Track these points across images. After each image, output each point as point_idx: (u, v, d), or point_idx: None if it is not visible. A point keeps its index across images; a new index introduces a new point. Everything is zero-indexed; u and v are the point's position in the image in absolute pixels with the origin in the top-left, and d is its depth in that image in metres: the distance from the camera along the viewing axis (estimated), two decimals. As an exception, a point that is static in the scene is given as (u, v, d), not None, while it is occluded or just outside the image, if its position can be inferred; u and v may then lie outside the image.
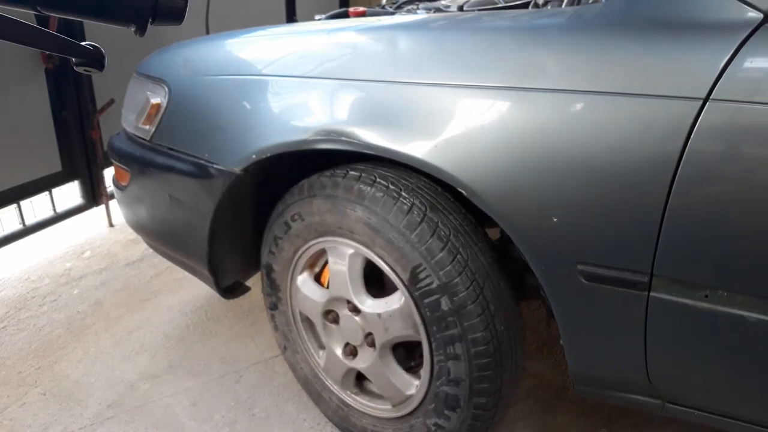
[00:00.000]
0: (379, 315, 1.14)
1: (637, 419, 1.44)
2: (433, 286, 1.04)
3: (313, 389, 1.41)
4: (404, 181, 1.08)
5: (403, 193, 1.05)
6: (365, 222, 1.08)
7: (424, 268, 1.03)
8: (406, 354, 1.22)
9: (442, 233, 1.03)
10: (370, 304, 1.16)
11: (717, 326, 0.85)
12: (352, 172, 1.11)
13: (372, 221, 1.07)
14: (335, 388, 1.35)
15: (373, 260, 1.12)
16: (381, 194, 1.06)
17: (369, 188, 1.07)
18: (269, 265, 1.32)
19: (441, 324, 1.06)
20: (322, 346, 1.36)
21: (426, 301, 1.05)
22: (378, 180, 1.08)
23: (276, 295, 1.35)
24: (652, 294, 0.87)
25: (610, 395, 1.05)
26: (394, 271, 1.08)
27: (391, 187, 1.06)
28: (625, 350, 0.95)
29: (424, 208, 1.04)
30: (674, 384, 0.96)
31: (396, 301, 1.12)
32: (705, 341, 0.88)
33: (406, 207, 1.04)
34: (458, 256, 1.02)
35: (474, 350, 1.05)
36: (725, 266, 0.81)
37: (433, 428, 1.19)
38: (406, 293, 1.08)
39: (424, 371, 1.15)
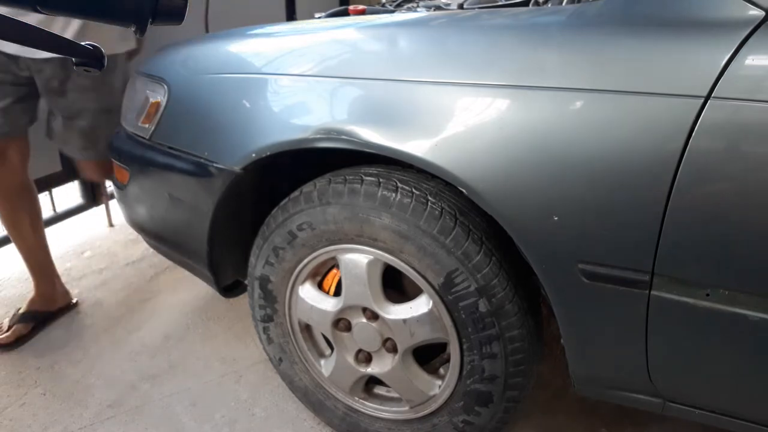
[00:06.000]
0: (404, 321, 1.13)
1: (636, 419, 1.44)
2: (471, 289, 1.03)
3: (314, 399, 1.40)
4: (425, 185, 1.07)
5: (430, 198, 1.04)
6: (393, 229, 1.06)
7: (461, 273, 1.03)
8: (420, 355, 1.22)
9: (476, 236, 1.02)
10: (392, 310, 1.15)
11: (718, 325, 0.85)
12: (368, 178, 1.09)
13: (401, 228, 1.05)
14: (341, 396, 1.34)
15: (397, 267, 1.10)
16: (408, 200, 1.04)
17: (393, 194, 1.06)
18: (265, 277, 1.29)
19: (477, 325, 1.06)
20: (322, 355, 1.35)
21: (462, 304, 1.05)
22: (400, 185, 1.06)
23: (272, 307, 1.33)
24: (653, 293, 0.87)
25: (611, 394, 1.05)
26: (423, 276, 1.07)
27: (416, 192, 1.05)
28: (625, 349, 0.95)
29: (453, 212, 1.03)
30: (675, 383, 0.96)
31: (423, 305, 1.11)
32: (706, 340, 0.88)
33: (437, 212, 1.03)
34: (493, 258, 1.02)
35: (511, 347, 1.06)
36: (726, 265, 0.81)
37: (461, 425, 1.19)
38: (436, 297, 1.07)
39: (452, 371, 1.15)
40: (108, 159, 1.61)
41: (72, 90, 1.63)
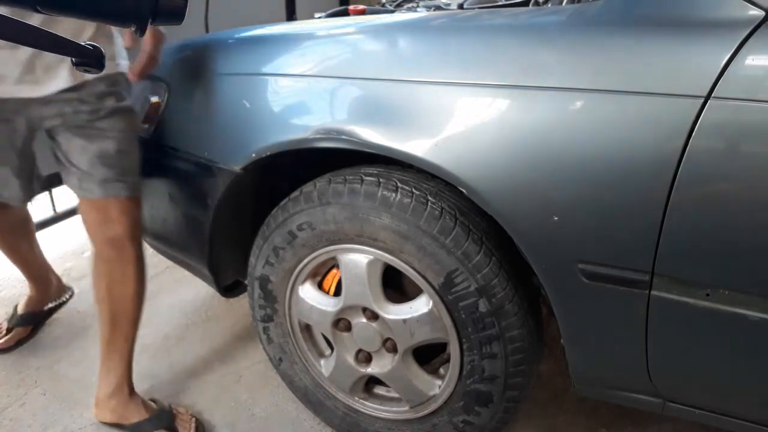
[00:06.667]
0: (404, 321, 1.13)
1: (636, 419, 1.44)
2: (471, 289, 1.03)
3: (314, 399, 1.40)
4: (425, 185, 1.07)
5: (430, 198, 1.04)
6: (393, 229, 1.06)
7: (461, 273, 1.03)
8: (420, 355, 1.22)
9: (476, 236, 1.02)
10: (392, 310, 1.15)
11: (718, 325, 0.85)
12: (368, 178, 1.09)
13: (401, 228, 1.05)
14: (341, 396, 1.34)
15: (397, 267, 1.10)
16: (408, 200, 1.04)
17: (393, 194, 1.06)
18: (265, 277, 1.29)
19: (478, 325, 1.06)
20: (322, 355, 1.35)
21: (462, 304, 1.05)
22: (400, 185, 1.06)
23: (272, 307, 1.33)
24: (653, 293, 0.87)
25: (611, 394, 1.05)
26: (423, 276, 1.07)
27: (416, 192, 1.05)
28: (625, 349, 0.95)
29: (453, 212, 1.03)
30: (675, 383, 0.96)
31: (423, 305, 1.11)
32: (706, 340, 0.88)
33: (437, 212, 1.03)
34: (494, 258, 1.02)
35: (511, 347, 1.06)
36: (726, 265, 0.81)
37: (461, 425, 1.19)
38: (436, 297, 1.07)
39: (452, 371, 1.15)
40: (136, 197, 1.33)
41: (102, 115, 1.27)
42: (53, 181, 2.34)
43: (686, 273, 0.84)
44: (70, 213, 2.49)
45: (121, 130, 1.30)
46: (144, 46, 1.28)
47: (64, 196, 2.49)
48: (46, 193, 2.36)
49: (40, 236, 2.35)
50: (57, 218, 2.43)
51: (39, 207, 2.38)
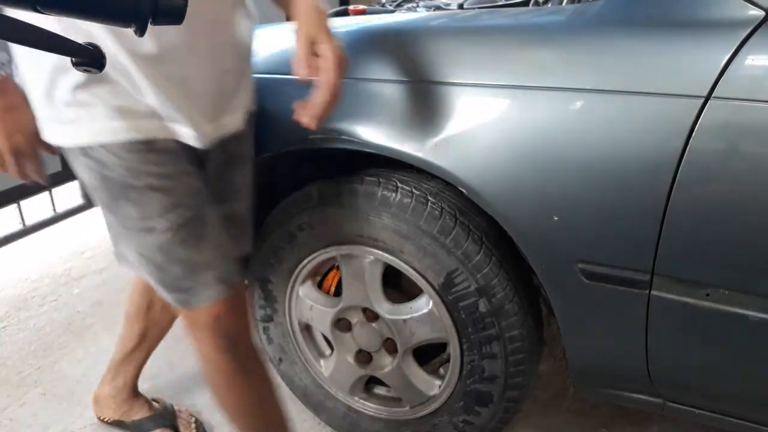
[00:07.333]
0: (404, 321, 1.13)
1: (636, 419, 1.44)
2: (471, 289, 1.03)
3: (314, 399, 1.40)
4: (425, 185, 1.07)
5: (430, 198, 1.04)
6: (393, 229, 1.06)
7: (461, 273, 1.03)
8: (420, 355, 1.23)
9: (476, 236, 1.02)
10: (392, 310, 1.15)
11: (718, 325, 0.85)
12: (369, 178, 1.09)
13: (401, 228, 1.06)
14: (341, 396, 1.34)
15: (397, 267, 1.10)
16: (408, 200, 1.04)
17: (393, 194, 1.06)
18: (265, 277, 1.29)
19: (477, 325, 1.06)
20: (322, 355, 1.35)
21: (462, 304, 1.05)
22: (400, 185, 1.06)
23: (271, 307, 1.33)
24: (653, 293, 0.87)
25: (611, 394, 1.05)
26: (423, 276, 1.07)
27: (416, 192, 1.05)
28: (625, 349, 0.95)
29: (453, 212, 1.03)
30: (675, 383, 0.96)
31: (424, 305, 1.11)
32: (706, 340, 0.88)
33: (437, 212, 1.03)
34: (493, 258, 1.02)
35: (511, 347, 1.06)
36: (726, 265, 0.81)
37: (461, 425, 1.19)
38: (436, 297, 1.08)
39: (452, 371, 1.15)
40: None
41: (235, 163, 1.04)
42: (53, 181, 2.34)
43: (686, 273, 0.84)
44: (70, 213, 2.48)
45: (248, 185, 1.08)
46: (325, 76, 0.86)
47: (64, 196, 2.49)
48: (46, 193, 2.36)
49: (40, 236, 2.36)
50: (57, 218, 2.42)
51: (39, 207, 2.39)
